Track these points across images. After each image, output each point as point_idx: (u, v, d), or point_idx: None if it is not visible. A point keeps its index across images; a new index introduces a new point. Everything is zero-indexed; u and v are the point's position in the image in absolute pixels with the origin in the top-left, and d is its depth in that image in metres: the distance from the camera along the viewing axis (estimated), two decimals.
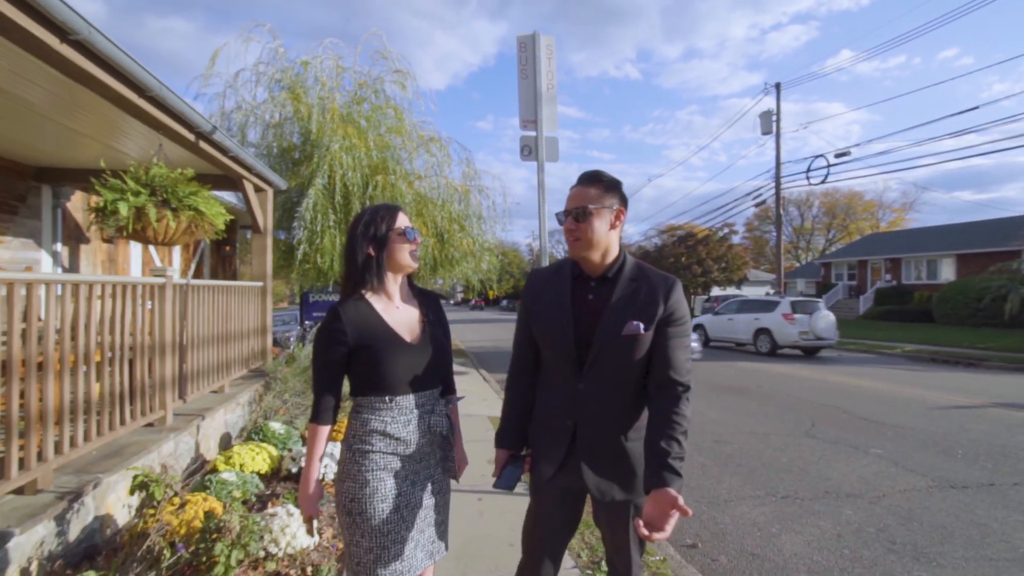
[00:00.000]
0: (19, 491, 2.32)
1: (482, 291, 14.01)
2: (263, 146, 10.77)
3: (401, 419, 1.46)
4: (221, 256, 10.79)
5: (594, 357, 1.47)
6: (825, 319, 12.76)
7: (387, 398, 1.46)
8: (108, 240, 6.89)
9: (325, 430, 1.47)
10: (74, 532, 2.36)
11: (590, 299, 1.52)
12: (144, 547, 2.08)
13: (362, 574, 1.39)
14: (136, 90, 3.11)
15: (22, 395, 2.32)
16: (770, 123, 19.84)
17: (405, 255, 1.51)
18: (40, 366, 2.42)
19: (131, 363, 3.14)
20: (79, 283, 2.72)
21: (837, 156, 16.87)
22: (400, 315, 1.53)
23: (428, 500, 1.51)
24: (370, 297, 1.50)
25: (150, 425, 3.41)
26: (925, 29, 48.14)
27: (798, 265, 50.32)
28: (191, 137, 3.92)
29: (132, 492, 2.46)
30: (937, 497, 3.73)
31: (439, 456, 1.55)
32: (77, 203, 6.19)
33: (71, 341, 2.66)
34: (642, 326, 1.44)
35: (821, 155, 17.17)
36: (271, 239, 6.52)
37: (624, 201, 1.54)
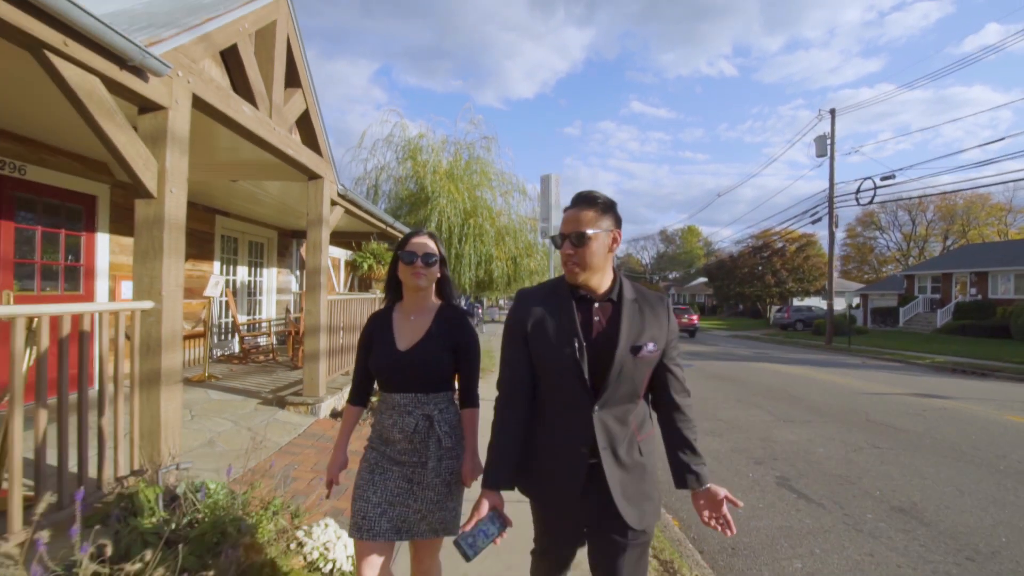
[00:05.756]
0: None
1: None
2: (392, 193, 15.43)
3: (387, 411, 1.72)
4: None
5: (612, 382, 1.41)
6: None
7: (383, 393, 1.76)
8: None
9: (353, 410, 1.84)
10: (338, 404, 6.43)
11: (596, 321, 1.47)
12: None
13: (351, 509, 1.70)
14: (368, 213, 7.23)
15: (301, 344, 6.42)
16: (825, 146, 21.24)
17: (405, 275, 1.72)
18: (328, 329, 6.50)
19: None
20: (348, 299, 6.83)
21: (883, 179, 18.13)
22: (408, 325, 1.75)
23: (403, 484, 1.67)
24: (396, 307, 1.81)
25: None
26: None
27: (895, 274, 47.59)
28: (382, 225, 8.08)
29: None
30: (765, 421, 6.70)
31: (428, 455, 1.67)
32: (304, 248, 10.88)
33: (341, 321, 6.74)
34: (654, 345, 1.45)
35: (868, 178, 18.49)
36: None
37: (619, 222, 1.49)
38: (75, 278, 5.16)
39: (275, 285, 9.50)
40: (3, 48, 2.28)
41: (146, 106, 2.77)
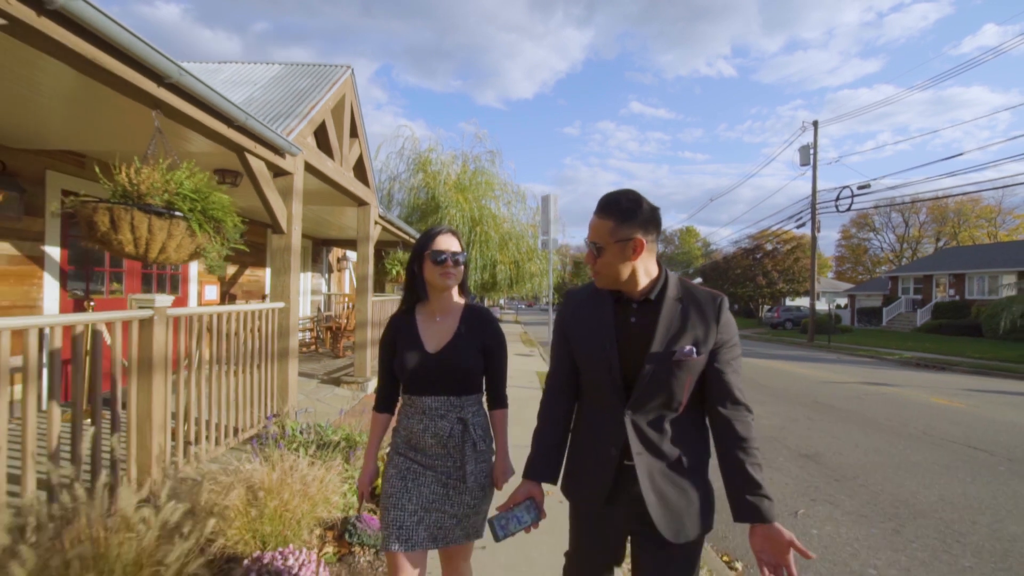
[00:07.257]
0: None
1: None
2: (405, 202, 16.83)
3: (415, 416, 1.69)
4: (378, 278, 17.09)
5: (643, 384, 1.38)
6: None
7: (410, 396, 1.71)
8: (340, 271, 13.01)
9: (380, 417, 1.81)
10: None
11: (633, 322, 1.43)
12: None
13: (382, 520, 1.66)
14: (397, 228, 8.62)
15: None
16: (808, 156, 22.61)
17: (434, 275, 1.69)
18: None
19: None
20: (384, 300, 8.23)
21: (859, 188, 19.52)
22: (435, 327, 1.73)
23: (438, 489, 1.65)
24: (418, 309, 1.77)
25: None
26: None
27: (881, 276, 49.06)
28: (406, 237, 9.47)
29: None
30: None
31: (460, 458, 1.66)
32: (333, 254, 12.27)
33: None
34: (695, 350, 1.37)
35: (847, 186, 19.88)
36: None
37: (645, 228, 1.38)
38: (176, 284, 6.55)
39: (309, 287, 10.89)
40: (186, 134, 3.67)
41: (279, 172, 4.16)
